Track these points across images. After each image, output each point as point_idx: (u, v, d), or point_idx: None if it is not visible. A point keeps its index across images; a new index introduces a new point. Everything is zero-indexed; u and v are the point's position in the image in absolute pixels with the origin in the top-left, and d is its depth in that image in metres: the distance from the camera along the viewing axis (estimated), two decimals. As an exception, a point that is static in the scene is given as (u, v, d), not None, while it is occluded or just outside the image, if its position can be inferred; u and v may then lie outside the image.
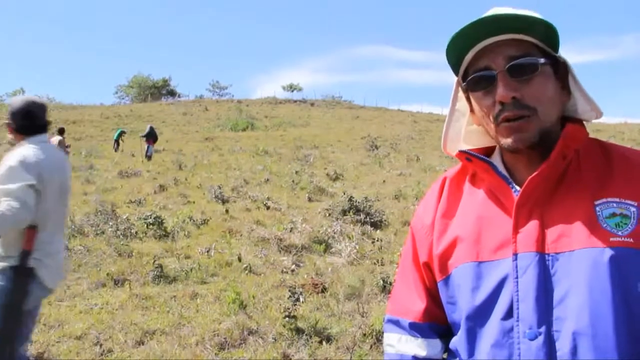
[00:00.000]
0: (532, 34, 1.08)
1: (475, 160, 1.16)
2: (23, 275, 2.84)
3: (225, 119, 38.14)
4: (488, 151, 1.22)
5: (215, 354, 4.37)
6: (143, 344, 4.56)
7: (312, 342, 4.47)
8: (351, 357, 4.20)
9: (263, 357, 4.27)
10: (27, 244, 2.85)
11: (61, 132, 14.79)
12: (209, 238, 8.27)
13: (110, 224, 8.38)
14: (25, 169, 2.85)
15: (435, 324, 1.22)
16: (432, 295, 1.22)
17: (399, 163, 18.73)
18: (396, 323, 1.27)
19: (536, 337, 0.99)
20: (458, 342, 1.14)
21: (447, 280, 1.16)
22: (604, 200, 1.03)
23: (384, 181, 14.77)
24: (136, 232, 8.25)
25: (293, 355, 4.27)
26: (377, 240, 7.95)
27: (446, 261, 1.16)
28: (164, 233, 8.31)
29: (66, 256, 6.86)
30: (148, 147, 20.88)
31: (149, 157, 20.33)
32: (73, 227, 8.27)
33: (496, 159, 1.18)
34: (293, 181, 13.86)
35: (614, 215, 1.01)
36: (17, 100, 3.22)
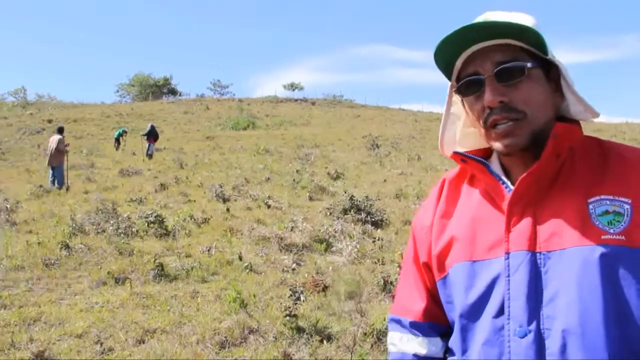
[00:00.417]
0: (520, 38, 1.08)
1: (470, 161, 1.17)
2: None
3: (226, 117, 38.10)
4: (487, 152, 1.23)
5: (216, 352, 4.37)
6: (144, 342, 4.57)
7: (312, 341, 4.47)
8: (352, 356, 4.20)
9: (264, 356, 4.27)
10: None
11: (60, 131, 14.78)
12: (210, 237, 8.27)
13: (111, 222, 8.39)
14: None
15: (435, 323, 1.23)
16: (432, 294, 1.24)
17: (400, 162, 18.71)
18: (398, 322, 1.29)
19: (526, 335, 1.00)
20: (453, 340, 1.16)
21: (444, 279, 1.18)
22: (597, 197, 1.03)
23: (384, 180, 14.77)
24: (137, 231, 8.25)
25: (294, 354, 4.27)
26: (378, 240, 7.95)
27: (443, 261, 1.18)
28: (164, 232, 8.32)
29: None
30: (149, 146, 20.89)
31: (150, 156, 20.33)
32: (74, 225, 8.28)
33: (494, 160, 1.19)
34: (294, 180, 13.86)
35: (607, 212, 1.01)
36: None
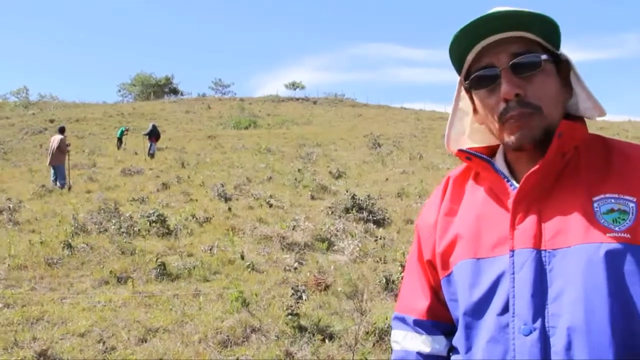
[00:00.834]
0: (533, 31, 1.08)
1: (475, 159, 1.16)
2: None
3: (228, 117, 38.12)
4: (492, 150, 1.23)
5: (218, 351, 4.38)
6: (146, 341, 4.58)
7: (314, 340, 4.47)
8: (353, 355, 4.20)
9: (266, 355, 4.28)
10: None
11: (62, 130, 14.78)
12: (212, 236, 8.28)
13: (113, 221, 8.40)
14: None
15: (439, 322, 1.23)
16: (436, 293, 1.24)
17: (402, 161, 18.69)
18: (402, 320, 1.29)
19: (531, 332, 0.99)
20: (457, 338, 1.16)
21: (448, 277, 1.17)
22: (602, 196, 1.03)
23: (386, 179, 14.75)
24: (139, 230, 8.26)
25: (295, 353, 4.28)
26: (380, 238, 7.95)
27: (447, 259, 1.17)
28: (166, 231, 8.33)
29: (68, 254, 6.89)
30: (151, 145, 20.91)
31: (151, 155, 20.36)
32: (76, 224, 8.29)
33: (498, 158, 1.19)
34: (296, 179, 13.85)
35: (612, 210, 1.01)
36: None
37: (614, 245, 0.97)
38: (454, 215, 1.21)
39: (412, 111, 50.10)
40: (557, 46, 1.11)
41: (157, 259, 6.48)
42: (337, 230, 8.24)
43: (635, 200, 1.01)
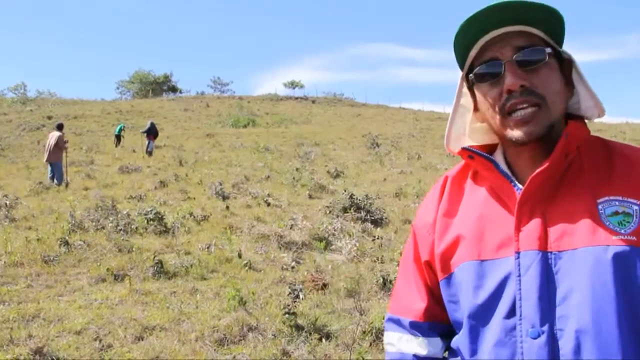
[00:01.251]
0: (537, 26, 1.08)
1: (478, 158, 1.15)
2: None
3: (226, 115, 38.08)
4: (490, 148, 1.22)
5: (215, 350, 4.37)
6: (142, 339, 4.57)
7: (311, 339, 4.47)
8: (350, 355, 4.19)
9: (262, 353, 4.27)
10: None
11: (60, 127, 14.74)
12: (209, 234, 8.27)
13: (111, 219, 8.39)
14: None
15: (435, 323, 1.22)
16: (433, 294, 1.22)
17: (400, 161, 18.70)
18: (397, 322, 1.27)
19: (539, 335, 0.98)
20: (460, 341, 1.14)
21: (449, 279, 1.16)
22: (606, 198, 1.02)
23: (384, 179, 14.76)
24: (136, 228, 8.25)
25: (292, 352, 4.27)
26: (378, 238, 7.95)
27: (448, 260, 1.16)
28: (164, 229, 8.32)
29: (65, 251, 6.88)
30: (149, 143, 20.90)
31: (149, 153, 20.34)
32: (73, 222, 8.28)
33: (498, 156, 1.18)
34: (294, 178, 13.85)
35: (616, 213, 1.01)
36: None
37: (622, 247, 0.97)
38: (454, 215, 1.19)
39: (411, 111, 50.12)
40: (560, 43, 1.11)
41: (154, 257, 6.48)
42: (334, 230, 8.24)
43: (638, 202, 1.01)
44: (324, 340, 4.51)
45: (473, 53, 1.13)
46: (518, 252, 1.03)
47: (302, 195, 12.08)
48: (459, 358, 1.15)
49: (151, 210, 8.64)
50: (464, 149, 1.18)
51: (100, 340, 4.44)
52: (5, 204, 9.76)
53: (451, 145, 1.26)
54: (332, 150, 22.17)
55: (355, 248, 7.23)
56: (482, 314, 1.08)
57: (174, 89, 68.06)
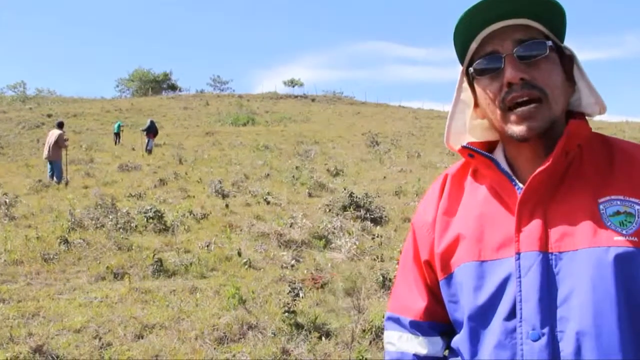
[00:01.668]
0: (538, 19, 1.06)
1: (478, 156, 1.13)
2: None
3: (226, 113, 38.05)
4: (490, 146, 1.20)
5: (215, 348, 4.37)
6: (142, 337, 4.57)
7: (311, 338, 4.46)
8: (350, 353, 4.19)
9: (262, 352, 4.27)
10: None
11: (60, 125, 14.69)
12: (209, 232, 8.27)
13: (110, 217, 8.38)
14: None
15: (436, 322, 1.21)
16: (433, 293, 1.21)
17: (400, 159, 18.70)
18: (396, 321, 1.26)
19: (539, 337, 0.97)
20: (460, 341, 1.13)
21: (449, 278, 1.14)
22: (608, 198, 1.01)
23: (384, 177, 14.76)
24: (136, 226, 8.25)
25: (292, 350, 4.27)
26: (377, 237, 7.95)
27: (448, 260, 1.14)
28: (163, 227, 8.31)
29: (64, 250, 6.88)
30: (148, 141, 20.90)
31: (149, 151, 20.33)
32: (73, 220, 8.27)
33: (498, 154, 1.16)
34: (293, 176, 13.85)
35: (618, 213, 0.99)
36: None
37: (623, 249, 0.96)
38: (454, 214, 1.18)
39: (411, 109, 50.12)
40: (562, 38, 1.10)
41: (154, 255, 6.47)
42: (334, 228, 8.23)
43: None
44: (323, 338, 4.51)
45: (473, 46, 1.11)
46: (518, 253, 1.02)
47: (301, 193, 12.08)
48: (459, 358, 1.14)
49: (151, 209, 8.64)
50: (464, 147, 1.16)
51: (100, 339, 4.44)
52: (5, 202, 9.76)
53: (451, 142, 1.24)
54: (331, 148, 22.17)
55: (354, 246, 7.23)
56: (482, 316, 1.06)
57: (173, 87, 68.03)
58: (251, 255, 7.00)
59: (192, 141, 24.40)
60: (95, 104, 41.77)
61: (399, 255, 6.32)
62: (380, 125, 32.10)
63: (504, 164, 1.13)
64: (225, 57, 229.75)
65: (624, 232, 0.97)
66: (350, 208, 9.39)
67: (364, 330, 4.58)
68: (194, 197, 11.53)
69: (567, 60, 1.10)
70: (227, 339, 4.52)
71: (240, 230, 8.39)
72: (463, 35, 1.10)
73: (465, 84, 1.20)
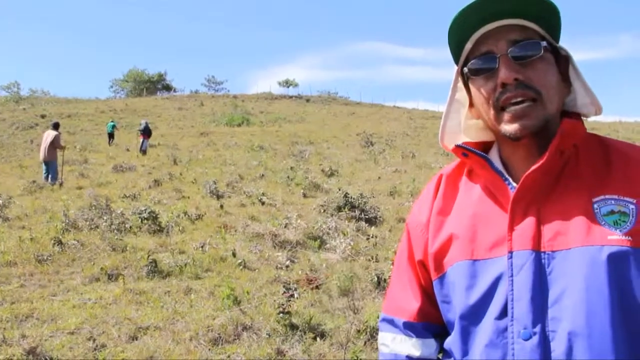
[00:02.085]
0: (533, 19, 1.06)
1: (472, 156, 1.13)
2: None
3: (221, 114, 38.01)
4: (485, 146, 1.20)
5: (209, 349, 4.36)
6: (137, 339, 4.56)
7: (306, 338, 4.47)
8: (345, 353, 4.20)
9: (257, 352, 4.27)
10: None
11: (56, 127, 14.62)
12: (204, 233, 8.26)
13: (105, 218, 8.36)
14: None
15: (429, 324, 1.20)
16: (427, 294, 1.20)
17: (394, 160, 18.72)
18: (390, 322, 1.25)
19: (530, 337, 0.97)
20: (452, 342, 1.12)
21: (442, 278, 1.14)
22: (602, 197, 1.01)
23: (379, 178, 14.77)
24: (130, 227, 8.22)
25: (287, 351, 4.27)
26: (372, 237, 7.96)
27: (441, 259, 1.14)
28: (158, 228, 8.29)
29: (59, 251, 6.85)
30: (143, 142, 20.84)
31: (143, 152, 20.29)
32: (67, 221, 8.24)
33: (493, 154, 1.16)
34: (288, 177, 13.84)
35: (612, 212, 0.99)
36: None
37: (617, 248, 0.95)
38: (448, 214, 1.17)
39: (405, 110, 50.19)
40: (557, 38, 1.09)
41: (148, 256, 6.45)
42: (329, 229, 8.24)
43: (635, 202, 0.99)
44: (318, 339, 4.51)
45: (468, 46, 1.11)
46: (511, 252, 1.02)
47: (296, 194, 12.08)
48: (452, 359, 1.13)
49: (145, 210, 8.62)
50: (457, 146, 1.16)
51: (94, 340, 4.43)
52: (-1, 203, 9.71)
53: (446, 141, 1.24)
54: (326, 149, 22.17)
55: (349, 247, 7.23)
56: (474, 315, 1.06)
57: (168, 88, 67.93)
58: (246, 256, 7.00)
59: (187, 142, 24.36)
60: (90, 105, 41.65)
61: (393, 255, 6.33)
62: (375, 126, 32.13)
63: (498, 164, 1.13)
64: (220, 57, 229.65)
65: (617, 231, 0.97)
66: (344, 208, 9.39)
67: (358, 331, 4.58)
68: (188, 197, 11.51)
69: (563, 61, 1.10)
70: (222, 340, 4.51)
71: (235, 231, 8.38)
72: (457, 35, 1.10)
73: (460, 84, 1.19)
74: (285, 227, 8.28)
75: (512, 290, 1.00)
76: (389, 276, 5.73)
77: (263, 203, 10.73)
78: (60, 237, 7.35)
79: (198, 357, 4.21)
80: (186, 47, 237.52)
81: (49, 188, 12.66)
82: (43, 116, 32.53)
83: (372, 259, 6.96)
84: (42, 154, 13.81)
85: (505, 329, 1.00)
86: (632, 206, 0.99)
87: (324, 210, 9.71)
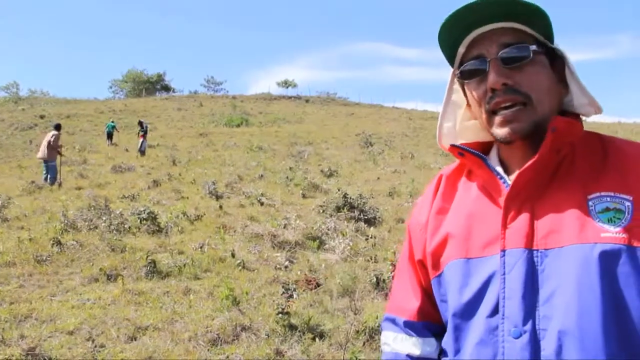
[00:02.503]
0: (524, 21, 1.06)
1: (468, 155, 1.13)
2: None
3: (220, 114, 38.00)
4: (485, 146, 1.20)
5: (208, 349, 4.36)
6: (135, 339, 4.56)
7: (305, 339, 4.47)
8: (344, 354, 4.20)
9: (256, 353, 4.27)
10: None
11: (57, 127, 14.70)
12: (203, 234, 8.25)
13: (104, 219, 8.35)
14: None
15: (430, 323, 1.21)
16: (427, 293, 1.21)
17: (393, 160, 18.73)
18: (392, 321, 1.26)
19: (521, 335, 0.96)
20: (446, 340, 1.13)
21: (439, 277, 1.15)
22: (598, 194, 1.00)
23: (378, 178, 14.78)
24: (129, 227, 8.22)
25: (286, 352, 4.27)
26: (371, 237, 7.96)
27: (438, 258, 1.15)
28: (157, 228, 8.29)
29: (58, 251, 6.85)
30: (142, 142, 20.82)
31: (142, 152, 20.27)
32: (66, 221, 8.24)
33: (492, 154, 1.16)
34: (287, 177, 13.85)
35: (607, 209, 0.98)
36: None
37: (609, 246, 0.94)
38: (446, 213, 1.18)
39: (404, 110, 50.20)
40: (551, 39, 1.09)
41: (147, 257, 6.45)
42: (328, 229, 8.24)
43: (631, 198, 0.98)
44: (317, 339, 4.51)
45: (462, 50, 1.11)
46: (504, 250, 1.02)
47: (295, 194, 12.08)
48: (448, 358, 1.14)
49: (144, 210, 8.62)
50: (453, 146, 1.16)
51: (93, 341, 4.43)
52: (-3, 203, 9.71)
53: (443, 142, 1.25)
54: (325, 149, 22.17)
55: (348, 247, 7.24)
56: (466, 313, 1.06)
57: (167, 88, 67.92)
58: (245, 256, 7.00)
59: (186, 142, 24.35)
60: (89, 105, 41.63)
61: (392, 256, 6.35)
62: (374, 126, 32.14)
63: (497, 163, 1.13)
64: (220, 58, 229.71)
65: (611, 228, 0.95)
66: (344, 209, 9.40)
67: (357, 331, 4.58)
68: (187, 198, 11.51)
69: (559, 61, 1.09)
70: (221, 341, 4.52)
71: (234, 232, 8.38)
72: (446, 41, 1.11)
73: (457, 86, 1.20)
74: (284, 227, 8.28)
75: (504, 288, 1.00)
76: (388, 276, 5.75)
77: (262, 203, 10.73)
78: (59, 237, 7.35)
79: (197, 358, 4.21)
80: (185, 48, 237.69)
81: (48, 188, 12.66)
82: (42, 117, 32.51)
83: (371, 259, 6.96)
84: (41, 153, 13.83)
85: (497, 328, 1.00)
86: (628, 203, 0.97)
87: (323, 211, 9.71)
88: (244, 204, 10.79)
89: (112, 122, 25.77)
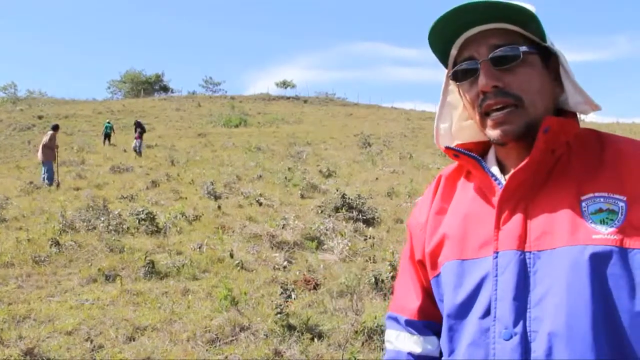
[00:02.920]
0: (514, 22, 1.04)
1: (463, 156, 1.13)
2: None
3: (218, 115, 37.96)
4: (484, 146, 1.20)
5: (207, 350, 4.37)
6: (134, 339, 4.56)
7: (303, 339, 4.47)
8: (343, 354, 4.20)
9: (254, 353, 4.27)
10: None
11: (54, 128, 14.74)
12: (201, 234, 8.25)
13: (102, 219, 8.35)
14: None
15: (430, 322, 1.22)
16: (428, 293, 1.22)
17: (392, 160, 18.73)
18: (395, 320, 1.27)
19: (511, 337, 0.96)
20: (441, 340, 1.14)
21: (437, 278, 1.15)
22: (591, 195, 0.98)
23: (376, 178, 14.78)
24: (128, 228, 8.22)
25: (284, 352, 4.27)
26: (370, 238, 7.96)
27: (436, 259, 1.15)
28: (155, 229, 8.29)
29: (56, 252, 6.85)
30: (140, 143, 20.79)
31: (139, 153, 20.25)
32: (64, 222, 8.23)
33: (490, 154, 1.16)
34: (286, 178, 13.84)
35: (600, 211, 0.96)
36: None
37: (600, 247, 0.93)
38: (444, 214, 1.18)
39: (403, 111, 50.21)
40: (543, 38, 1.06)
41: (145, 257, 6.45)
42: (326, 229, 8.24)
43: (625, 199, 0.96)
44: (316, 340, 4.51)
45: (454, 51, 1.11)
46: (497, 252, 1.02)
47: (294, 194, 12.08)
48: (444, 358, 1.15)
49: (143, 210, 8.62)
50: (447, 147, 1.16)
51: (91, 341, 4.43)
52: (-4, 204, 9.70)
53: (441, 142, 1.24)
54: (324, 149, 22.17)
55: (347, 248, 7.24)
56: (460, 314, 1.07)
57: (165, 89, 67.85)
58: (243, 256, 7.00)
59: (184, 142, 24.34)
60: (87, 106, 41.59)
61: (391, 256, 6.36)
62: (373, 127, 32.13)
63: (493, 164, 1.13)
64: (218, 58, 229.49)
65: (603, 230, 0.94)
66: (342, 209, 9.39)
67: (356, 332, 4.58)
68: (186, 198, 11.51)
69: (554, 60, 1.08)
70: (219, 341, 4.52)
71: (233, 232, 8.38)
72: (441, 41, 1.10)
73: (452, 87, 1.20)
74: (282, 227, 8.28)
75: (496, 290, 1.00)
76: (387, 277, 5.75)
77: (260, 204, 10.73)
78: (58, 238, 7.35)
79: (195, 358, 4.21)
80: (183, 48, 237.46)
81: (46, 189, 12.66)
82: (40, 117, 32.46)
83: (370, 259, 6.97)
84: (39, 154, 13.88)
85: (488, 329, 1.00)
86: (621, 204, 0.96)
87: (322, 211, 9.71)
88: (243, 205, 10.79)
89: (109, 122, 25.74)
